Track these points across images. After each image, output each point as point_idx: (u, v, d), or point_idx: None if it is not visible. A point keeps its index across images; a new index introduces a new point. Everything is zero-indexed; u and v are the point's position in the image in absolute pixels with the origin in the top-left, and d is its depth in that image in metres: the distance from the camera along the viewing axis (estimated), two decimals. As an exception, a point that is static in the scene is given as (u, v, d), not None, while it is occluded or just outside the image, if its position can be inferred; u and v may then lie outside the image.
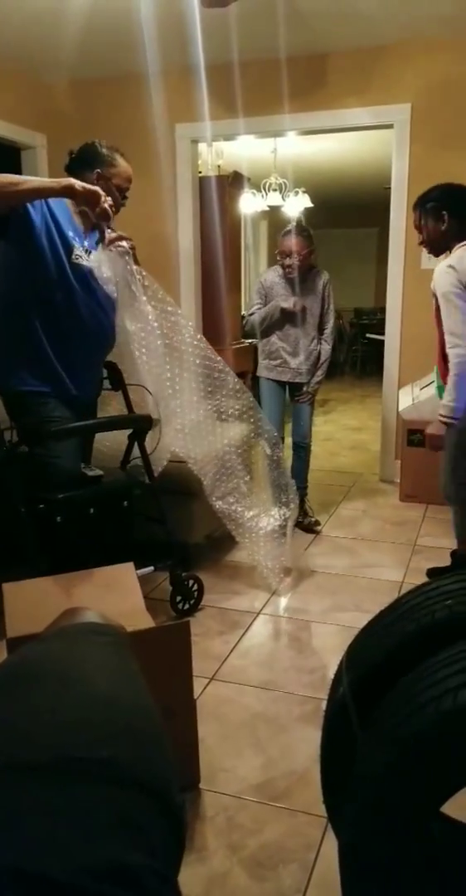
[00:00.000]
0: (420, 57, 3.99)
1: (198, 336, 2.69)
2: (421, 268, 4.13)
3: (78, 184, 2.17)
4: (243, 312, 3.77)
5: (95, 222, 2.33)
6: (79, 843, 0.50)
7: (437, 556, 3.30)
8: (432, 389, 4.00)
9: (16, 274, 2.30)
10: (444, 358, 2.61)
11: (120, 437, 2.77)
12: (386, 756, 1.09)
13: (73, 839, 0.50)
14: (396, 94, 4.06)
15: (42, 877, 0.48)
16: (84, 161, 2.44)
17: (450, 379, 2.56)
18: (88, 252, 2.36)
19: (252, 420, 2.89)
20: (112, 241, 2.36)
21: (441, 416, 2.60)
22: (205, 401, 2.76)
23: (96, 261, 2.34)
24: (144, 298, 2.45)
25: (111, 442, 2.83)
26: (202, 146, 5.04)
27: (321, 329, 3.69)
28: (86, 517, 2.39)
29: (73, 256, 2.31)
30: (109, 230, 2.37)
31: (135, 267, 2.44)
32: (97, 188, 2.23)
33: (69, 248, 2.31)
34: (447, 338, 2.55)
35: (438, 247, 2.75)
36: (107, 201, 2.24)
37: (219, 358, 2.76)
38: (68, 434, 2.38)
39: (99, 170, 2.42)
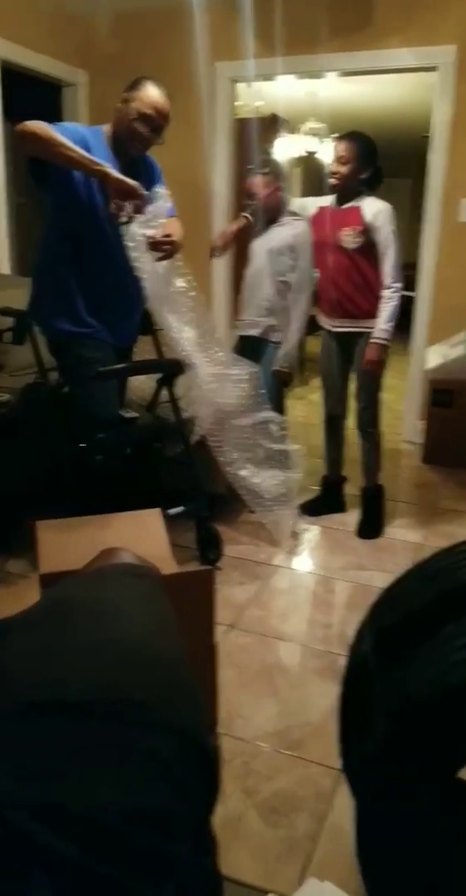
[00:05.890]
0: (471, -4, 3.78)
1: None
2: (460, 220, 4.00)
3: (113, 172, 2.15)
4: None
5: (125, 214, 2.23)
6: (108, 782, 0.50)
7: (459, 518, 3.27)
8: (463, 348, 3.92)
9: (56, 221, 2.37)
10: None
11: (143, 382, 2.79)
12: (407, 716, 1.08)
13: (102, 778, 0.51)
14: (442, 35, 3.85)
15: (71, 814, 0.48)
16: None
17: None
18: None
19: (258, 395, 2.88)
20: (157, 244, 2.30)
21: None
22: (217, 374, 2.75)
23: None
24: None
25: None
26: (239, 87, 4.87)
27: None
28: (123, 457, 2.45)
29: (112, 206, 2.29)
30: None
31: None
32: (130, 182, 2.18)
33: (108, 198, 2.29)
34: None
35: (349, 190, 2.94)
36: (140, 195, 2.20)
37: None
38: (112, 375, 2.44)
39: (125, 94, 2.37)
